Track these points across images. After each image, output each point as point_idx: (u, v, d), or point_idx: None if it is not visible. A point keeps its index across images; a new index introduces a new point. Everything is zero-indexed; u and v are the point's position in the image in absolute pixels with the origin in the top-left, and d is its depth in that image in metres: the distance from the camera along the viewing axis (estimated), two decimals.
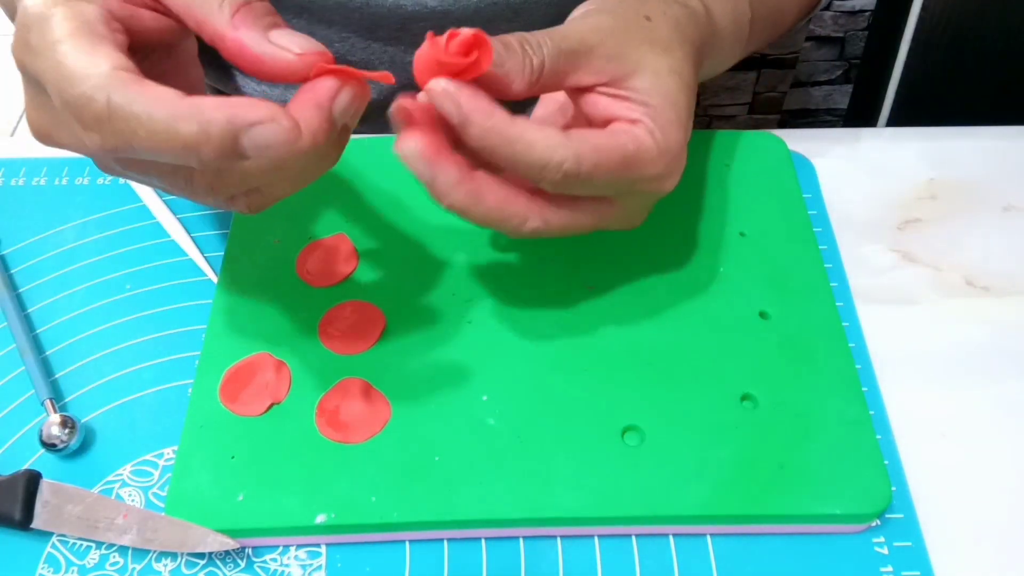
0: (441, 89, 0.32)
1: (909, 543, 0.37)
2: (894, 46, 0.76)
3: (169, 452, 0.40)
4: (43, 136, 0.33)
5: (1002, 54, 0.75)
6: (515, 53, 0.34)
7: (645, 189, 0.37)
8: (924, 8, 0.72)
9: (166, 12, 0.33)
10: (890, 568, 0.37)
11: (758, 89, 1.09)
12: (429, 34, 0.32)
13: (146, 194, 0.50)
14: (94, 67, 0.29)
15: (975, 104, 0.79)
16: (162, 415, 0.41)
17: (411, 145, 0.32)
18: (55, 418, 0.40)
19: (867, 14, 1.00)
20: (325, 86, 0.30)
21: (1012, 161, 0.52)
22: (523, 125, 0.33)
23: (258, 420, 0.39)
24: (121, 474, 0.40)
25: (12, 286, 0.46)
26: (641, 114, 0.36)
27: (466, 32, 0.32)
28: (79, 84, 0.28)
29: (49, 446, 0.39)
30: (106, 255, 0.47)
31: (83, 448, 0.40)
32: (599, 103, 0.36)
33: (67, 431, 0.39)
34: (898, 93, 0.79)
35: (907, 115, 0.80)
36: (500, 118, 0.32)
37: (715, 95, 1.07)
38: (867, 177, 0.51)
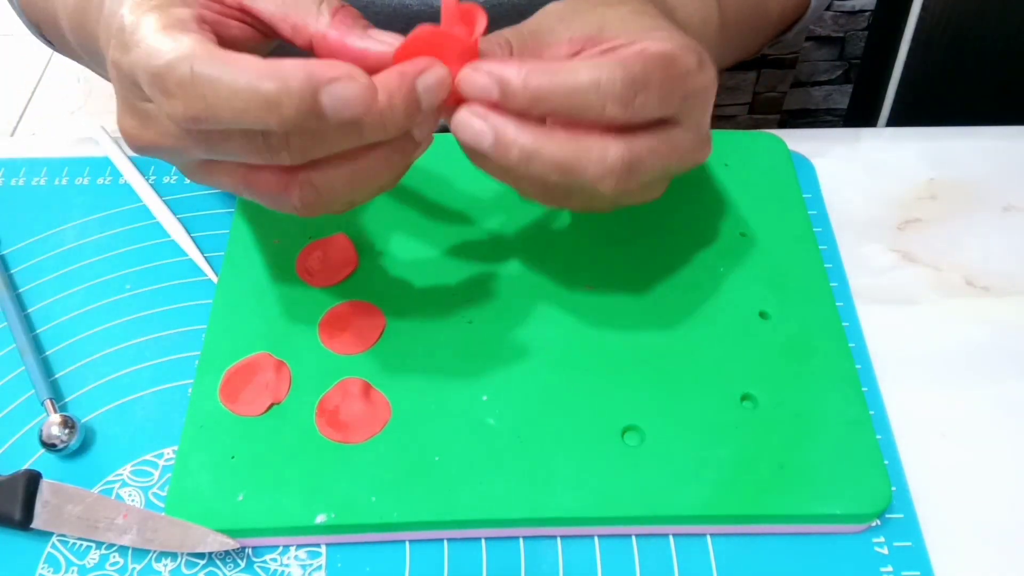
0: (470, 70, 0.33)
1: (909, 543, 0.37)
2: (894, 46, 0.76)
3: (169, 452, 0.40)
4: (134, 139, 0.34)
5: (1002, 54, 0.75)
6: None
7: (694, 87, 0.35)
8: (924, 8, 0.72)
9: (253, 23, 0.35)
10: (890, 568, 0.37)
11: (758, 89, 1.09)
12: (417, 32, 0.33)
13: (146, 194, 0.50)
14: (178, 42, 0.30)
15: (975, 104, 0.79)
16: (162, 415, 0.41)
17: (467, 109, 0.33)
18: (55, 418, 0.40)
19: (867, 14, 1.00)
20: (414, 61, 0.32)
21: (1012, 161, 0.52)
22: (559, 59, 0.33)
23: (258, 420, 0.39)
24: (121, 474, 0.40)
25: (12, 286, 0.46)
26: (641, 44, 0.34)
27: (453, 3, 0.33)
28: (164, 56, 0.30)
29: (49, 446, 0.39)
30: (106, 255, 0.47)
31: (83, 448, 0.40)
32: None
33: (67, 431, 0.39)
34: (898, 93, 0.79)
35: (907, 115, 0.80)
36: (535, 61, 0.33)
37: (715, 95, 1.07)
38: (867, 177, 0.51)
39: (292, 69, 0.29)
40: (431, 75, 0.32)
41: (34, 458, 0.40)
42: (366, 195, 0.35)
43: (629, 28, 0.35)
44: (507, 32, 0.35)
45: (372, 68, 0.31)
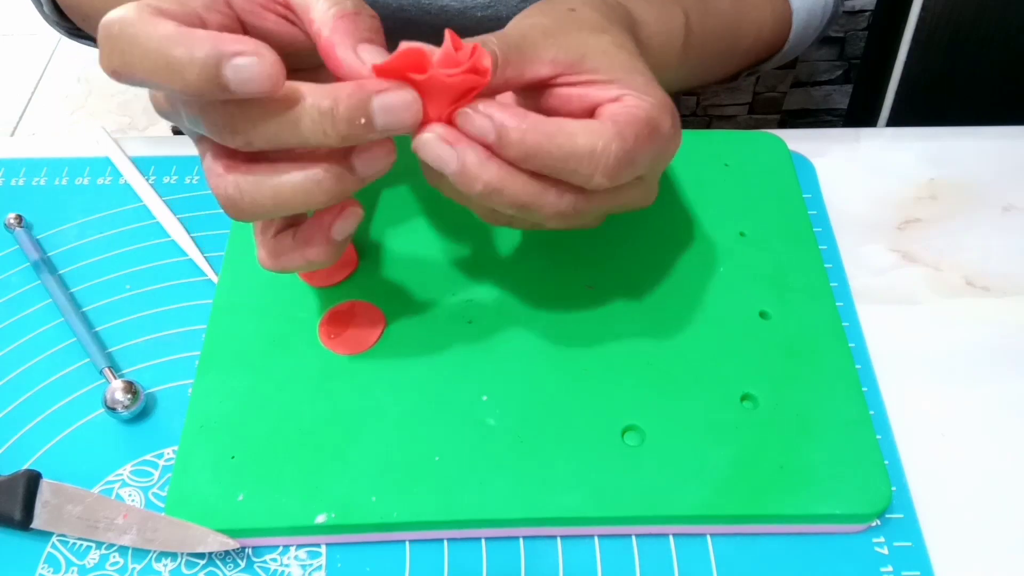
0: (471, 109, 0.32)
1: (909, 543, 0.37)
2: (894, 46, 0.76)
3: (169, 452, 0.40)
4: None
5: (1002, 54, 0.75)
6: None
7: (665, 152, 0.36)
8: (924, 8, 0.72)
9: (293, 19, 0.35)
10: (890, 568, 0.37)
11: (758, 89, 1.09)
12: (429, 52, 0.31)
13: (146, 194, 0.50)
14: (126, 8, 0.30)
15: (975, 104, 0.79)
16: (162, 415, 0.41)
17: (432, 132, 0.32)
18: (117, 384, 0.41)
19: (867, 14, 1.00)
20: (379, 80, 0.31)
21: (1012, 161, 0.52)
22: (558, 119, 0.33)
23: (258, 420, 0.39)
24: (121, 474, 0.40)
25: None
26: (618, 90, 0.35)
27: (455, 45, 0.31)
28: (109, 15, 0.30)
29: (111, 410, 0.40)
30: (106, 255, 0.47)
31: (83, 447, 0.40)
32: (572, 96, 0.36)
33: (130, 396, 0.40)
34: (898, 93, 0.79)
35: (907, 115, 0.80)
36: (535, 117, 0.32)
37: (715, 95, 1.07)
38: (867, 177, 0.51)
39: (201, 39, 0.29)
40: (395, 96, 0.31)
41: (35, 458, 0.40)
42: (289, 209, 0.33)
43: (611, 64, 0.35)
44: (493, 40, 0.34)
45: (345, 78, 0.32)
